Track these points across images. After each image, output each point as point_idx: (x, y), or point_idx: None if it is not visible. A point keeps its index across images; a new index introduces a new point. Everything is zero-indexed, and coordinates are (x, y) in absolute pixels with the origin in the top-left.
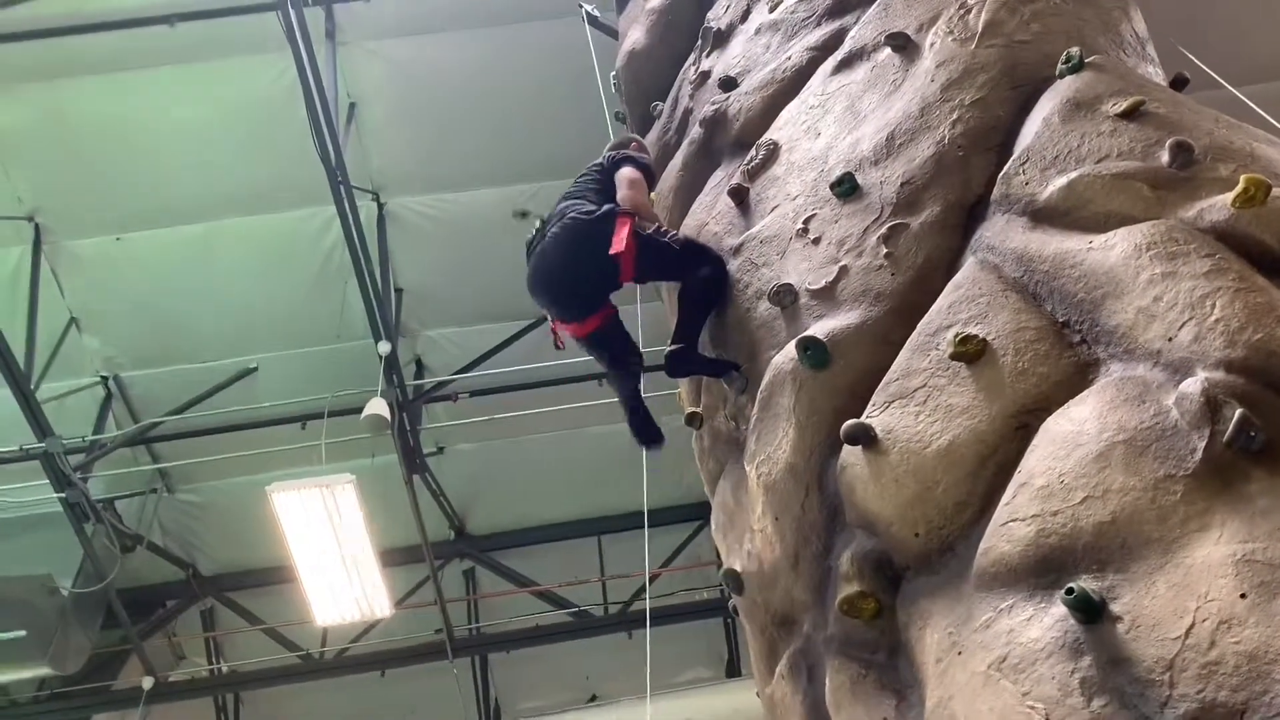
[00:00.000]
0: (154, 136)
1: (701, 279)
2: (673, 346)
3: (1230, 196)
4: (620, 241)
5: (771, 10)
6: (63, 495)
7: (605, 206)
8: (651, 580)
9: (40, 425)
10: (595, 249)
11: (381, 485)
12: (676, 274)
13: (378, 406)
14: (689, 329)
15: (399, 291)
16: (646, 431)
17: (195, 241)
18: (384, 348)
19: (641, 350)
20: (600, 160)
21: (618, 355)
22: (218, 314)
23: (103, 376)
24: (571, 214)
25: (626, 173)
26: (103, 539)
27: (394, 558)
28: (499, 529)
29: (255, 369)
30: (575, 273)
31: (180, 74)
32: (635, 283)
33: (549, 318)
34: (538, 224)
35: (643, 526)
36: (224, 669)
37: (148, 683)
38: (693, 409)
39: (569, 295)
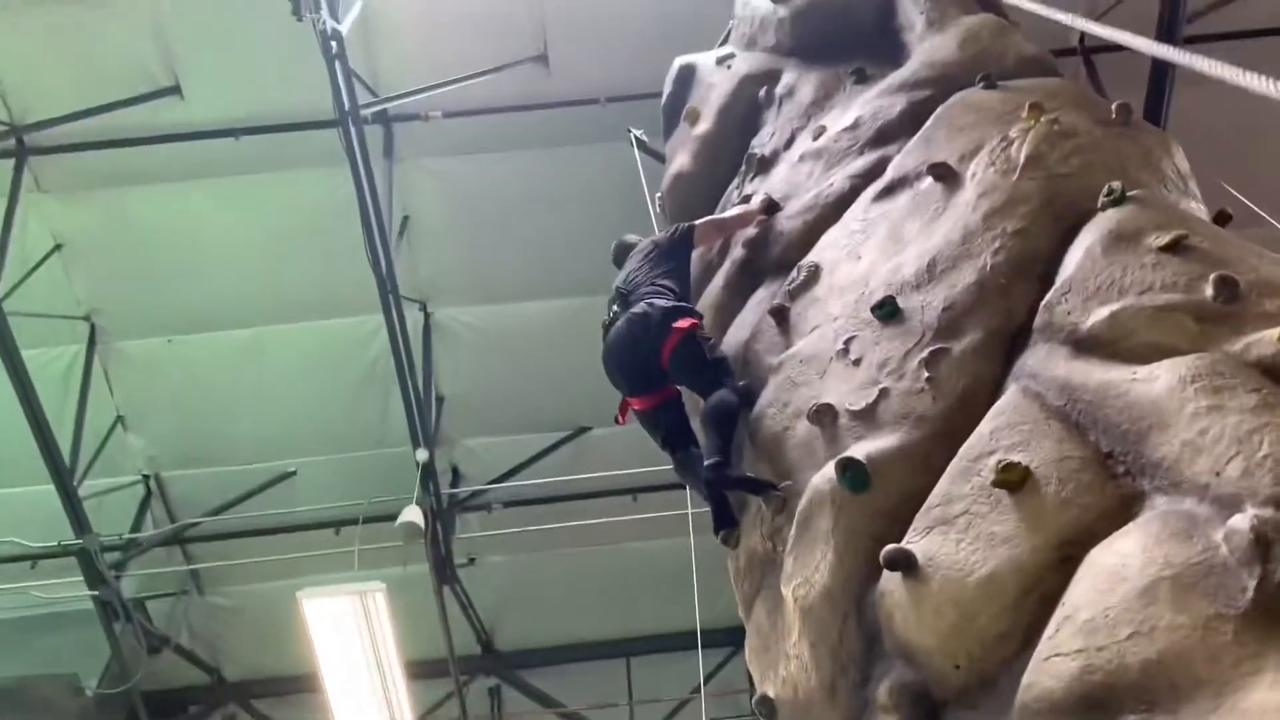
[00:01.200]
0: (212, 243)
1: (716, 401)
2: (709, 462)
3: (1276, 332)
4: (679, 331)
5: (815, 139)
6: (95, 594)
7: (671, 306)
8: (681, 706)
9: (80, 522)
10: (655, 343)
11: (411, 595)
12: (699, 383)
13: (412, 514)
14: (715, 448)
15: (440, 400)
16: (722, 519)
17: (244, 345)
18: (422, 455)
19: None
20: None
21: (669, 438)
22: (261, 417)
23: (144, 475)
24: (641, 306)
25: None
26: (131, 639)
27: (419, 670)
28: (527, 645)
29: (294, 473)
30: (635, 357)
31: (240, 184)
32: (667, 374)
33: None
34: (613, 309)
35: (673, 649)
36: None
37: None
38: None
39: (631, 373)
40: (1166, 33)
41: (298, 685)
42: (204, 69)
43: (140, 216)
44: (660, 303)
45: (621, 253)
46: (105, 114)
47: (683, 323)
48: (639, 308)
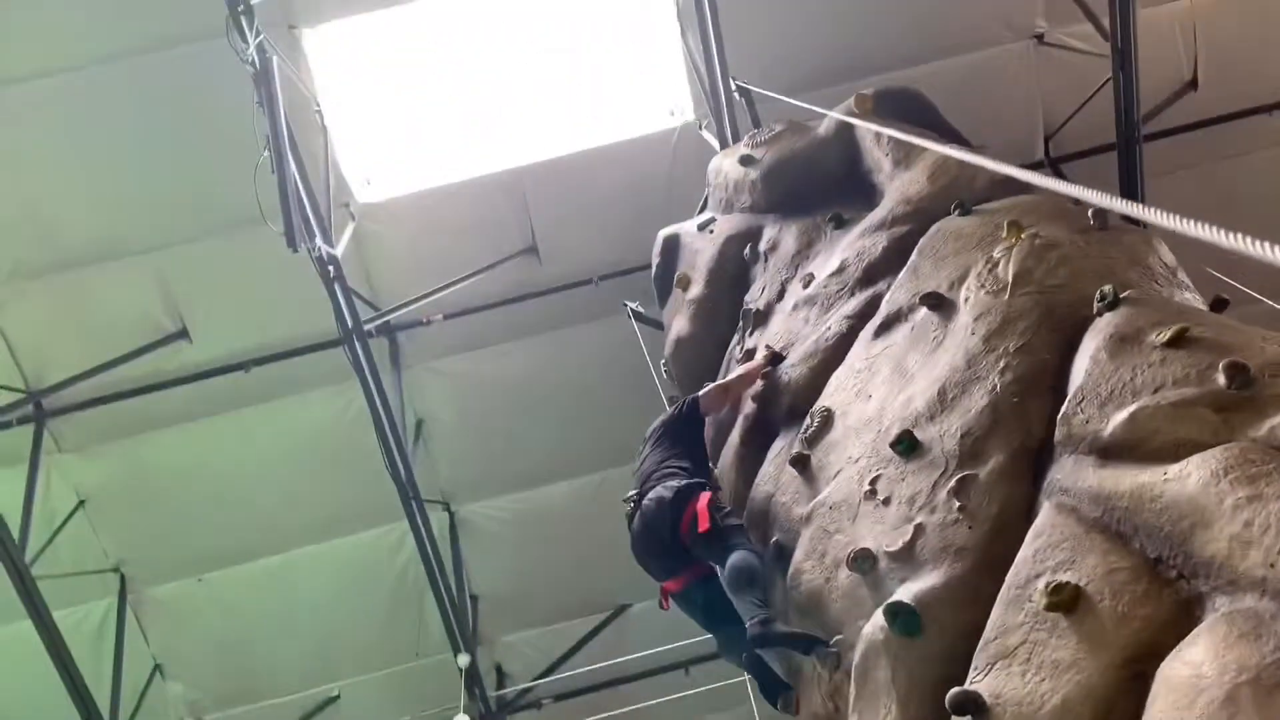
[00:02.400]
0: (232, 476)
1: (736, 561)
2: (754, 619)
3: None
4: (702, 518)
5: (805, 287)
6: None
7: (685, 484)
8: None
9: None
10: (674, 524)
11: None
12: (719, 554)
13: None
14: (754, 607)
15: (474, 599)
16: (770, 688)
17: (273, 573)
18: (463, 660)
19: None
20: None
21: (709, 616)
22: (297, 644)
23: None
24: (656, 491)
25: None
26: None
27: None
28: None
29: (338, 697)
30: (658, 543)
31: (254, 414)
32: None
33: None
34: (631, 503)
35: None
36: None
37: None
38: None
39: (659, 558)
40: (1126, 132)
41: None
42: (208, 310)
43: (159, 461)
44: (673, 483)
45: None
46: (117, 368)
47: (700, 501)
48: (654, 493)
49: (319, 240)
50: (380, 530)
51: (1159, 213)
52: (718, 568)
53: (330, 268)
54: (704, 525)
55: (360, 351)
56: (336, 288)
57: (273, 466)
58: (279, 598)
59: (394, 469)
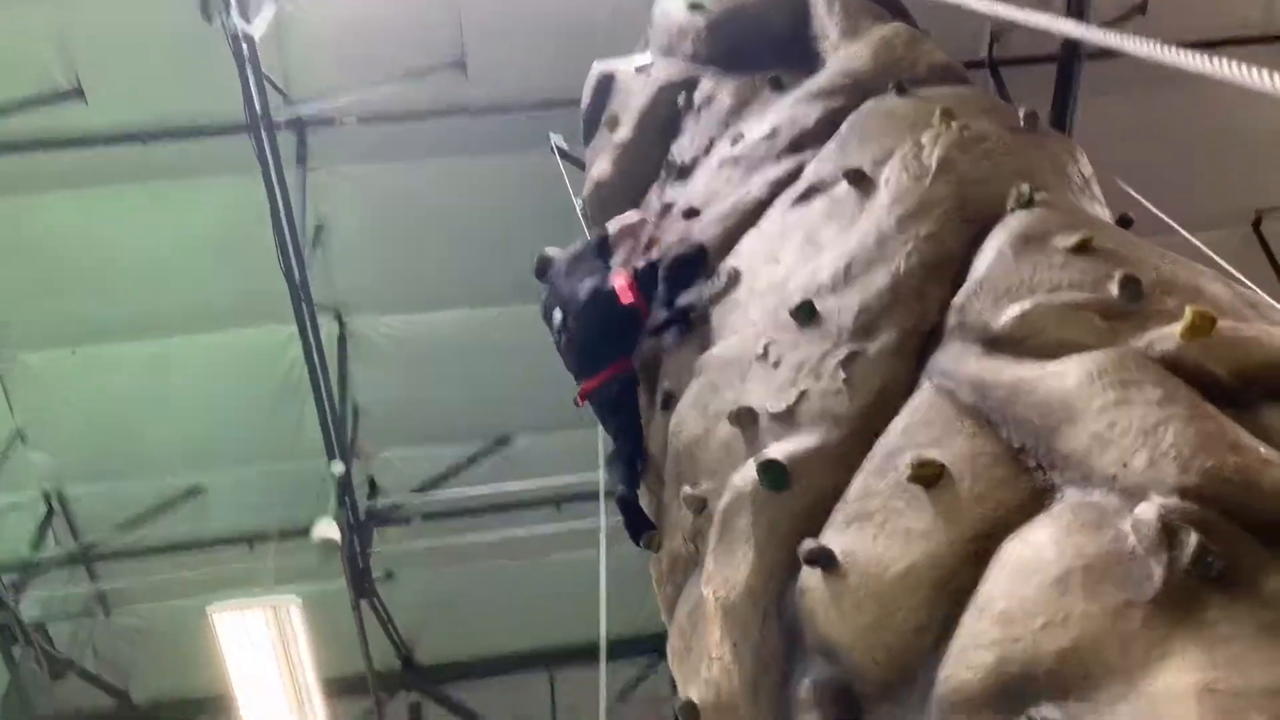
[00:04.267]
0: (118, 251)
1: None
2: (620, 493)
3: (1178, 328)
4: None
5: (734, 145)
6: None
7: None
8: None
9: None
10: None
11: (328, 611)
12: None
13: (328, 528)
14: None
15: (356, 410)
16: (636, 525)
17: (152, 356)
18: (337, 468)
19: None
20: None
21: (616, 422)
22: (169, 430)
23: (45, 493)
24: (583, 288)
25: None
26: (31, 664)
27: (337, 687)
28: (449, 659)
29: (204, 489)
30: (591, 333)
31: (148, 191)
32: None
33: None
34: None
35: (597, 659)
36: None
37: None
38: (651, 532)
39: (588, 352)
40: (1070, 46)
41: (210, 707)
42: (108, 72)
43: (43, 224)
44: (590, 283)
45: (543, 265)
46: (4, 118)
47: (620, 279)
48: (576, 303)
49: (235, 15)
50: (267, 329)
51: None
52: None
53: (245, 46)
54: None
55: (266, 141)
56: (249, 70)
57: (163, 249)
58: (154, 381)
59: (288, 269)
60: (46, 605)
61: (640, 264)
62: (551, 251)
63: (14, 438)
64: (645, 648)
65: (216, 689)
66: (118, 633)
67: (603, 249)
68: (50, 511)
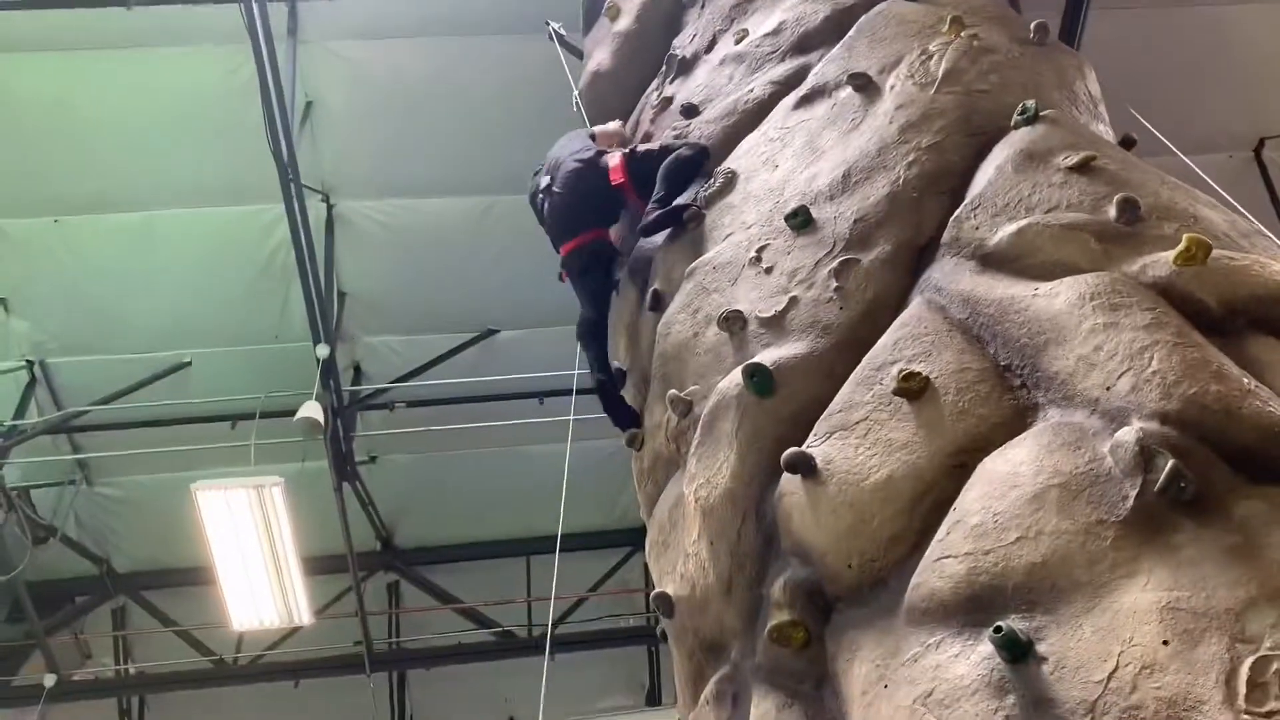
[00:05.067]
0: (102, 120)
1: (680, 156)
2: (596, 378)
3: (1172, 254)
4: (616, 173)
5: (737, 43)
6: None
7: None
8: (578, 604)
9: None
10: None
11: (310, 491)
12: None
13: (312, 410)
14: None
15: (342, 295)
16: (621, 418)
17: (136, 230)
18: (322, 350)
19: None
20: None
21: (596, 293)
22: (154, 305)
23: (28, 360)
24: (570, 162)
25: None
26: (14, 528)
27: (317, 566)
28: (427, 543)
29: (189, 364)
30: (576, 197)
31: (134, 58)
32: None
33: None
34: (541, 180)
35: (574, 550)
36: (131, 670)
37: (50, 680)
38: (634, 430)
39: (570, 216)
40: None
41: (191, 578)
42: None
43: (25, 86)
44: (585, 154)
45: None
46: None
47: (615, 156)
48: (567, 167)
49: None
50: (254, 208)
51: None
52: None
53: None
54: (626, 187)
55: (257, 11)
56: None
57: (149, 119)
58: (139, 255)
59: (276, 146)
60: (28, 471)
61: (639, 149)
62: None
63: None
64: (620, 540)
65: (198, 561)
66: (100, 502)
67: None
68: (33, 379)
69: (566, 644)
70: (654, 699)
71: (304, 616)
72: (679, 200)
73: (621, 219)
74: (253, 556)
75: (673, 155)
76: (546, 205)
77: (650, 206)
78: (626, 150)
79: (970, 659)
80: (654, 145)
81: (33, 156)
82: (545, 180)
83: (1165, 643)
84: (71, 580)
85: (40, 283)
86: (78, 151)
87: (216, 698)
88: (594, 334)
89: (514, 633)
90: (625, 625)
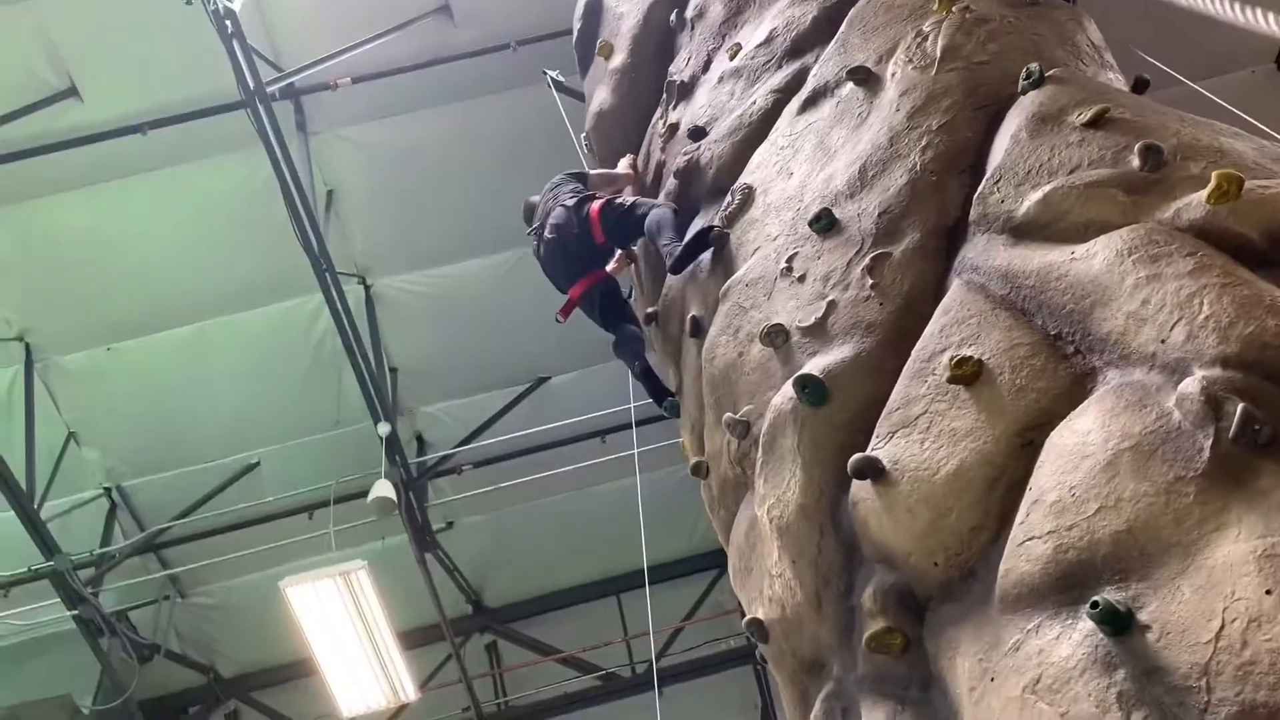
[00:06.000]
0: (135, 244)
1: (651, 221)
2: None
3: (1204, 194)
4: (595, 208)
5: (732, 58)
6: (75, 613)
7: (579, 198)
8: (676, 634)
9: (46, 544)
10: (583, 227)
11: (394, 567)
12: (628, 232)
13: (383, 489)
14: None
15: (393, 371)
16: (656, 388)
17: (186, 344)
18: (384, 429)
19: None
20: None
21: (606, 315)
22: (215, 414)
23: (105, 488)
24: (558, 211)
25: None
26: (119, 652)
27: (413, 639)
28: (517, 599)
29: (258, 464)
30: (566, 251)
31: (156, 180)
32: (609, 243)
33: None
34: (535, 232)
35: (662, 581)
36: None
37: None
38: (697, 459)
39: (565, 266)
40: None
41: (296, 672)
42: (98, 67)
43: (59, 227)
44: (569, 200)
45: (529, 212)
46: (2, 127)
47: (594, 204)
48: (556, 213)
49: None
50: (294, 302)
51: None
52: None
53: (228, 24)
54: (598, 236)
55: (264, 115)
56: (236, 45)
57: (179, 235)
58: (192, 367)
59: (305, 239)
60: (123, 595)
61: (614, 201)
62: (534, 199)
63: (67, 440)
64: (705, 564)
65: (299, 654)
66: (195, 613)
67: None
68: (113, 505)
69: (673, 676)
70: (769, 717)
71: (409, 693)
72: (695, 227)
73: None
74: (350, 642)
75: (651, 219)
76: (543, 250)
77: (665, 248)
78: (603, 200)
79: (1072, 639)
80: (624, 200)
81: (77, 290)
82: (537, 224)
83: (1269, 592)
84: (182, 692)
85: (104, 410)
86: (118, 278)
87: None
88: (623, 345)
89: (617, 674)
90: (727, 648)
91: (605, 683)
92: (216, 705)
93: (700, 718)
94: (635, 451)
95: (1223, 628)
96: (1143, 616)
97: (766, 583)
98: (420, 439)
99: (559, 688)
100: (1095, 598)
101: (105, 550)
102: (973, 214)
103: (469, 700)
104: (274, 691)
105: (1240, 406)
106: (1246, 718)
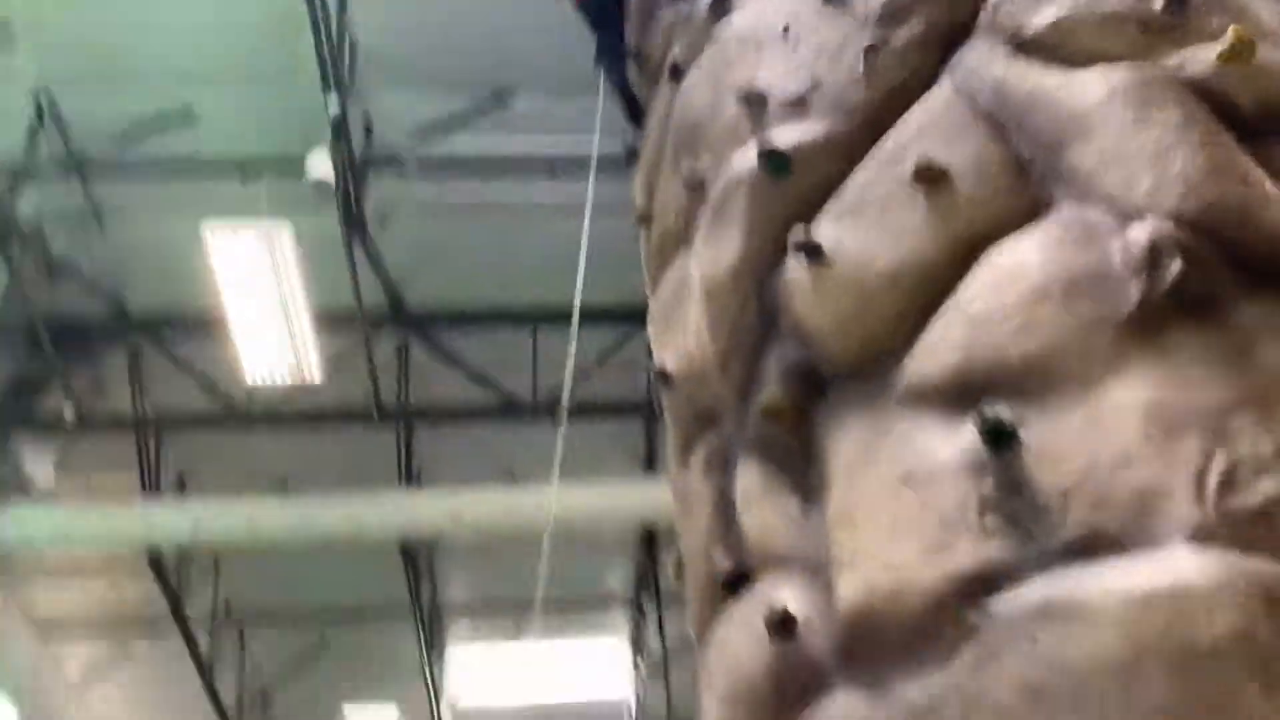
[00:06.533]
0: None
1: None
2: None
3: (1215, 50)
4: None
5: None
6: None
7: None
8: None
9: None
10: None
11: (321, 252)
12: None
13: (321, 162)
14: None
15: (354, 46)
16: (636, 109)
17: None
18: (333, 104)
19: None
20: None
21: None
22: (161, 44)
23: (35, 95)
24: None
25: None
26: (29, 264)
27: (325, 322)
28: (437, 307)
29: (197, 110)
30: None
31: None
32: None
33: None
34: None
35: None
36: (148, 411)
37: (69, 410)
38: (644, 207)
39: None
40: None
41: (204, 330)
42: None
43: None
44: None
45: None
46: None
47: None
48: None
49: None
50: None
51: None
52: None
53: None
54: None
55: None
56: None
57: None
58: None
59: None
60: (40, 209)
61: None
62: None
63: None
64: (626, 316)
65: (211, 307)
66: (112, 245)
67: None
68: (40, 114)
69: (570, 412)
70: (650, 468)
71: (314, 373)
72: None
73: None
74: (263, 302)
75: None
76: None
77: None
78: None
79: (955, 442)
80: None
81: None
82: None
83: (1147, 437)
84: (87, 324)
85: (45, 12)
86: None
87: (230, 443)
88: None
89: (519, 399)
90: (623, 399)
91: (506, 404)
92: (121, 338)
93: (587, 456)
94: (590, 184)
95: (1094, 461)
96: (1025, 435)
97: (682, 336)
98: (369, 129)
99: (461, 401)
100: (986, 409)
101: (26, 161)
102: (982, 18)
103: (372, 397)
104: (181, 341)
105: (1178, 263)
106: (1089, 541)
